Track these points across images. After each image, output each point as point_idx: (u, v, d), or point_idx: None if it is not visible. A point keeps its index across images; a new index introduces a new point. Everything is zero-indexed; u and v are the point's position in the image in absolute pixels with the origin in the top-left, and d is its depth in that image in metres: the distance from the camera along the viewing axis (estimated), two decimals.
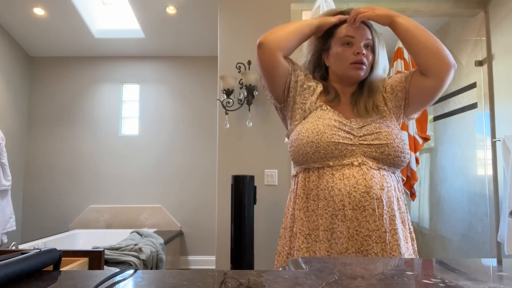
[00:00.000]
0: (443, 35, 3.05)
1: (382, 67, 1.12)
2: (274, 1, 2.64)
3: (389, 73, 1.22)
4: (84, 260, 0.70)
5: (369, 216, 0.95)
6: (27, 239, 3.95)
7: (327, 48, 1.11)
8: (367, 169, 0.98)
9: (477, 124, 2.64)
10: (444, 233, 3.03)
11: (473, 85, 2.69)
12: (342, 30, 1.08)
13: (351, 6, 1.13)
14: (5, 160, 3.10)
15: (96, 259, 0.71)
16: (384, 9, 1.05)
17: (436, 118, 3.18)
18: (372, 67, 1.10)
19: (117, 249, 2.72)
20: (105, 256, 1.92)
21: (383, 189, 0.97)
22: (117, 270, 0.58)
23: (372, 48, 1.09)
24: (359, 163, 0.98)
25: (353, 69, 1.06)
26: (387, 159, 1.00)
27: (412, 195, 2.67)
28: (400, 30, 1.04)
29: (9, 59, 3.92)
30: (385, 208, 0.96)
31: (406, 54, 2.69)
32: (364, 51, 1.05)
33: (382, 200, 0.96)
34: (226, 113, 2.59)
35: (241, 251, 1.96)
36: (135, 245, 2.84)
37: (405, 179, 2.62)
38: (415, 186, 2.65)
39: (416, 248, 1.06)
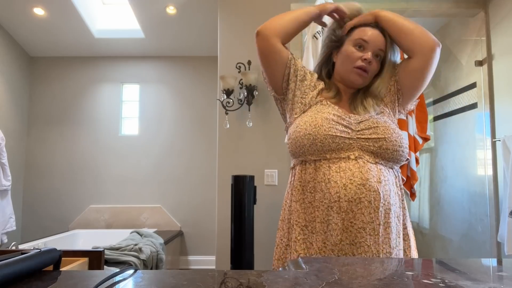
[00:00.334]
0: (443, 35, 3.04)
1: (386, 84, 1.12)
2: (274, 1, 2.64)
3: None
4: (84, 260, 0.70)
5: (365, 208, 0.95)
6: (27, 239, 3.95)
7: (340, 45, 1.13)
8: (364, 162, 0.98)
9: (477, 124, 2.64)
10: (444, 233, 3.03)
11: (473, 85, 2.69)
12: (359, 32, 1.09)
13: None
14: (5, 160, 3.10)
15: (96, 259, 0.71)
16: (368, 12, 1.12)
17: (436, 118, 3.18)
18: (376, 76, 1.11)
19: (117, 249, 2.72)
20: (105, 256, 1.92)
21: (380, 182, 0.97)
22: (117, 270, 0.58)
23: (381, 59, 1.10)
24: (356, 157, 0.99)
25: (355, 74, 1.07)
26: (385, 153, 1.00)
27: (412, 195, 2.66)
28: (385, 21, 1.08)
29: (9, 59, 3.92)
30: (381, 201, 0.96)
31: None
32: (371, 59, 1.06)
33: (379, 192, 0.96)
34: (226, 113, 2.59)
35: (241, 251, 1.96)
36: (135, 245, 2.84)
37: (405, 179, 2.62)
38: (415, 186, 2.64)
39: (412, 245, 1.05)
